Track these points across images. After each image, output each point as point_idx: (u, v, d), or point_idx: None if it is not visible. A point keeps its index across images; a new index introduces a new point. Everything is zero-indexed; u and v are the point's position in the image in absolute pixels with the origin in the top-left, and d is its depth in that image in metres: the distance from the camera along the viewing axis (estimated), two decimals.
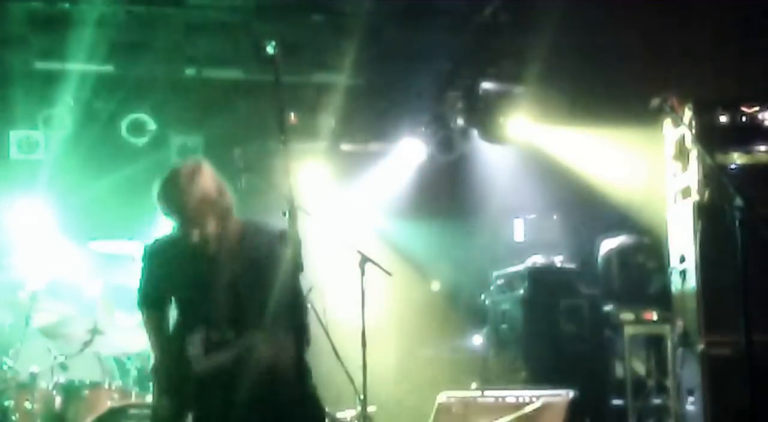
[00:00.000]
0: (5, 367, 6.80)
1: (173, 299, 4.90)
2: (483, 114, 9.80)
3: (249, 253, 4.77)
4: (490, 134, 9.92)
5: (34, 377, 6.82)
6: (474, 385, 8.08)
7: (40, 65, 8.94)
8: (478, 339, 9.71)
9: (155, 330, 4.94)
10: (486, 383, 8.25)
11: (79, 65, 8.89)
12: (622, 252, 8.72)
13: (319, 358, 7.51)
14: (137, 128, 9.35)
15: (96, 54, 8.76)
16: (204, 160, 4.86)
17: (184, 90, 9.37)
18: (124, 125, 9.31)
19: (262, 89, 9.06)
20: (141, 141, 9.38)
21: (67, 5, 8.31)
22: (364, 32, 8.68)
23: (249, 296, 4.71)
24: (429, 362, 9.91)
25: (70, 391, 6.83)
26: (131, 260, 7.68)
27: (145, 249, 4.95)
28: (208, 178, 4.70)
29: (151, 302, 4.96)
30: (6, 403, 6.70)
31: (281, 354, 4.63)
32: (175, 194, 4.63)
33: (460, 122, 10.04)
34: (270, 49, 4.49)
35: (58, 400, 6.81)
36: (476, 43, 9.18)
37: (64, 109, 9.14)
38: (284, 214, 4.31)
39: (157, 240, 4.94)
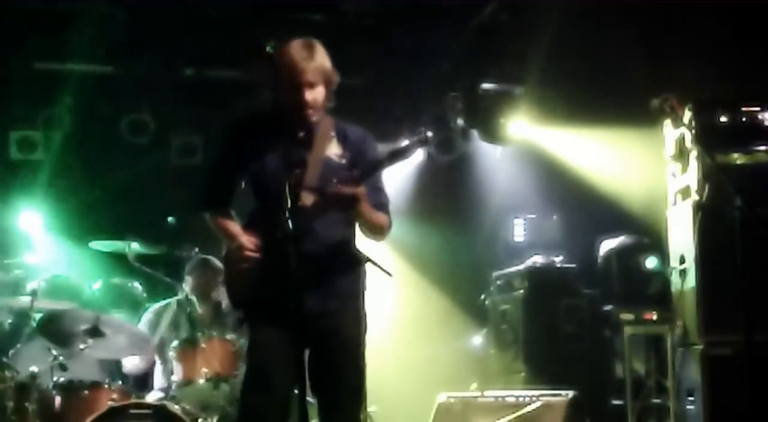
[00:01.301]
0: (4, 367, 6.78)
1: (256, 171, 4.87)
2: (483, 115, 9.80)
3: (342, 134, 4.84)
4: (490, 135, 9.92)
5: (33, 377, 6.79)
6: (474, 385, 8.08)
7: (40, 65, 8.95)
8: (477, 339, 9.72)
9: (226, 223, 4.99)
10: (486, 383, 8.25)
11: (79, 65, 8.90)
12: (622, 252, 8.72)
13: None
14: (137, 128, 9.35)
15: (95, 54, 8.77)
16: None
17: (183, 90, 9.38)
18: (123, 125, 9.32)
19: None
20: (141, 141, 9.39)
21: (66, 5, 8.31)
22: (363, 32, 8.68)
23: (336, 175, 4.69)
24: (429, 362, 9.90)
25: (70, 391, 6.80)
26: (130, 260, 7.69)
27: (235, 124, 5.04)
28: (323, 50, 4.75)
29: (223, 194, 5.01)
30: (5, 403, 6.68)
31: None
32: (295, 56, 4.66)
33: (460, 122, 10.03)
34: (269, 50, 4.52)
35: (57, 400, 6.78)
36: (476, 43, 9.17)
37: (64, 109, 9.15)
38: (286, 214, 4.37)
39: (250, 115, 5.03)
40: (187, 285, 7.77)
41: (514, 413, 7.19)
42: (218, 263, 7.90)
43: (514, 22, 8.85)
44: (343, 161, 4.80)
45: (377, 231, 4.89)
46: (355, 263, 4.81)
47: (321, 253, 4.75)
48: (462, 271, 10.32)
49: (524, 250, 9.60)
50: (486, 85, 9.69)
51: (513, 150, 10.09)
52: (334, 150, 4.80)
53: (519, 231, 10.02)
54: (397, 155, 4.59)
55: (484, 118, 9.82)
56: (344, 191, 4.55)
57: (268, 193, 4.80)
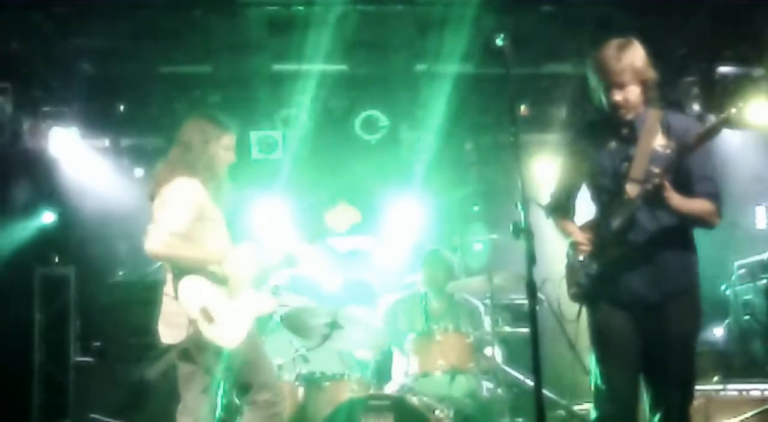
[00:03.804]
0: None
1: (590, 171, 5.08)
2: (721, 99, 9.49)
3: (667, 125, 4.96)
4: (729, 119, 9.60)
5: (278, 369, 7.03)
6: (716, 378, 7.86)
7: (277, 67, 9.23)
8: (719, 331, 9.44)
9: (564, 224, 5.26)
10: (728, 376, 8.01)
11: (314, 65, 9.12)
12: None
13: (555, 350, 7.51)
14: (370, 124, 9.53)
15: (329, 54, 8.96)
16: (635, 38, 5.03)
17: (415, 86, 9.48)
18: (357, 122, 9.51)
19: (493, 82, 9.07)
20: (374, 137, 9.56)
21: (301, 8, 8.53)
22: (593, 21, 8.55)
23: (660, 166, 4.80)
24: None
25: (312, 382, 7.01)
26: (368, 255, 7.85)
27: (575, 130, 5.24)
28: (637, 49, 4.90)
29: (561, 201, 5.30)
30: None
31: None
32: (604, 58, 4.88)
33: (696, 107, 9.75)
34: (499, 42, 4.58)
35: (300, 391, 7.00)
36: (711, 26, 8.88)
37: (300, 109, 9.40)
38: (517, 206, 4.40)
39: (589, 117, 5.30)
40: (421, 278, 7.87)
41: (758, 408, 6.95)
42: (449, 256, 7.97)
43: (750, 2, 8.53)
44: (668, 151, 4.88)
45: (696, 221, 4.99)
46: (687, 252, 4.99)
47: (648, 243, 4.89)
48: (702, 260, 10.01)
49: (767, 238, 9.28)
50: (723, 69, 9.38)
51: (754, 135, 9.75)
52: (659, 142, 4.91)
53: (762, 218, 9.70)
54: (703, 138, 4.70)
55: (723, 102, 9.51)
56: (646, 186, 4.71)
57: (600, 189, 5.04)
